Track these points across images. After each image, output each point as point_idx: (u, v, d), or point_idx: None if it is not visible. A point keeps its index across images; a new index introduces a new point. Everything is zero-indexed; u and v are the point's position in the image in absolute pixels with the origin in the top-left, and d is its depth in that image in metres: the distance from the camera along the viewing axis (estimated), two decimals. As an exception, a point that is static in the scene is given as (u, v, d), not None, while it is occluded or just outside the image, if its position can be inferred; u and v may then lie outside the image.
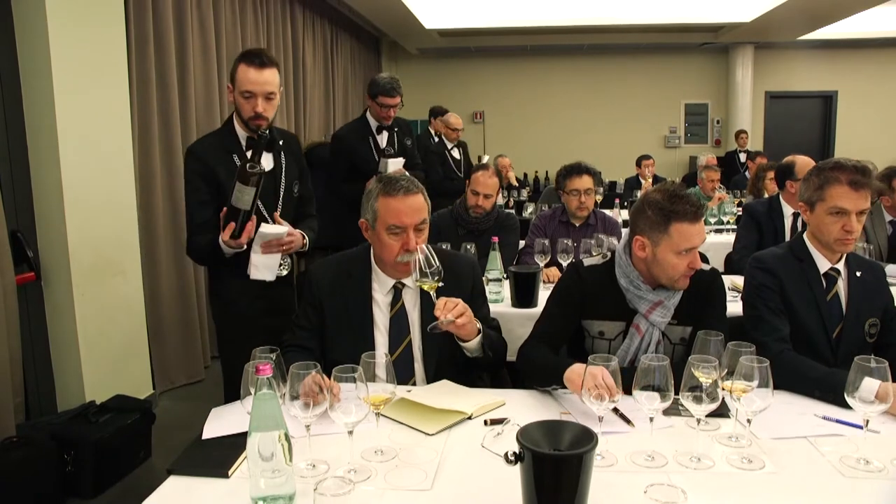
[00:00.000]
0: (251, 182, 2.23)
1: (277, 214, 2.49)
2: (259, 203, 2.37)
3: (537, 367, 1.94)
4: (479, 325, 1.98)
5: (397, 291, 2.07)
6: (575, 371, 1.76)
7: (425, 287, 1.90)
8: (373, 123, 3.98)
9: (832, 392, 1.75)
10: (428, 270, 1.87)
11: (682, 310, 2.01)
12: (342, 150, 4.00)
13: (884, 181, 3.54)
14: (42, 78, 3.11)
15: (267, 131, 2.48)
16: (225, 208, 2.30)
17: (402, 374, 2.00)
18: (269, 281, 2.46)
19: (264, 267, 2.42)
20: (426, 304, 1.99)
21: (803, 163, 3.60)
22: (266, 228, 2.39)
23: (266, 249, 2.41)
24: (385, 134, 4.00)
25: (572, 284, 2.11)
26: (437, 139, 6.35)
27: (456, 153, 6.15)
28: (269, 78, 2.40)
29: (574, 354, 2.10)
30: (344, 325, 2.03)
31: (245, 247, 2.33)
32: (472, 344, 1.97)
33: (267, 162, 2.51)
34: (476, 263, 2.26)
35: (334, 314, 2.05)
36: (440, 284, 1.89)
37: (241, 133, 2.50)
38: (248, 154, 2.46)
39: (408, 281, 2.06)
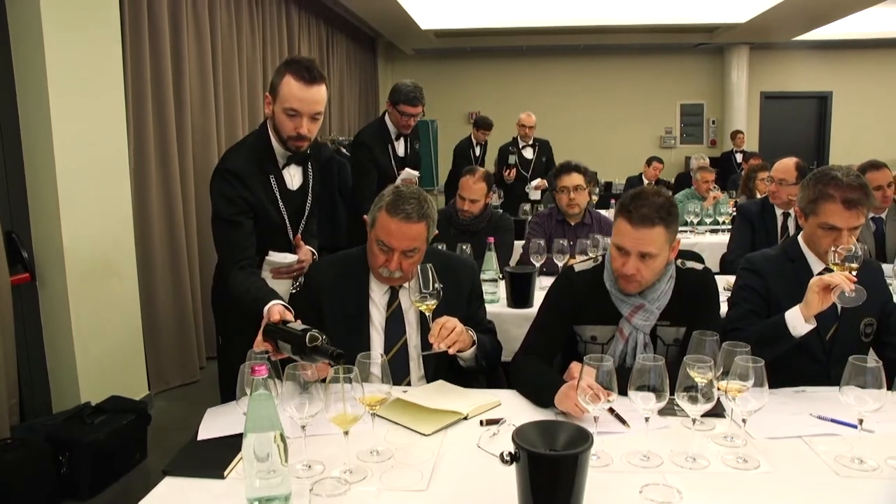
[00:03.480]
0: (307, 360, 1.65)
1: (299, 237, 2.35)
2: (285, 216, 2.28)
3: (529, 391, 1.90)
4: (473, 336, 2.00)
5: (394, 291, 2.08)
6: (563, 393, 1.73)
7: (421, 308, 1.91)
8: (392, 130, 3.86)
9: (778, 340, 1.88)
10: (426, 292, 1.87)
11: (675, 311, 2.01)
12: (370, 158, 3.81)
13: None
14: (37, 79, 3.10)
15: (309, 154, 2.27)
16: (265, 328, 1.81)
17: (397, 373, 2.00)
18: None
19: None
20: None
21: (781, 166, 3.63)
22: (274, 257, 2.26)
23: (276, 275, 2.27)
24: (402, 140, 3.91)
25: (563, 292, 2.10)
26: (478, 147, 6.67)
27: (529, 152, 6.26)
28: (318, 96, 2.12)
29: (567, 359, 2.10)
30: (341, 324, 2.03)
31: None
32: (467, 354, 2.00)
33: (297, 178, 2.32)
34: (475, 266, 2.28)
35: (332, 313, 2.05)
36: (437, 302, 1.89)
37: (279, 150, 2.23)
38: (286, 175, 2.23)
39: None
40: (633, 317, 1.98)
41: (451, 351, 1.86)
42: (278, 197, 2.26)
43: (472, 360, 2.03)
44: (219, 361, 2.75)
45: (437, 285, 1.88)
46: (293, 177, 2.32)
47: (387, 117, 3.88)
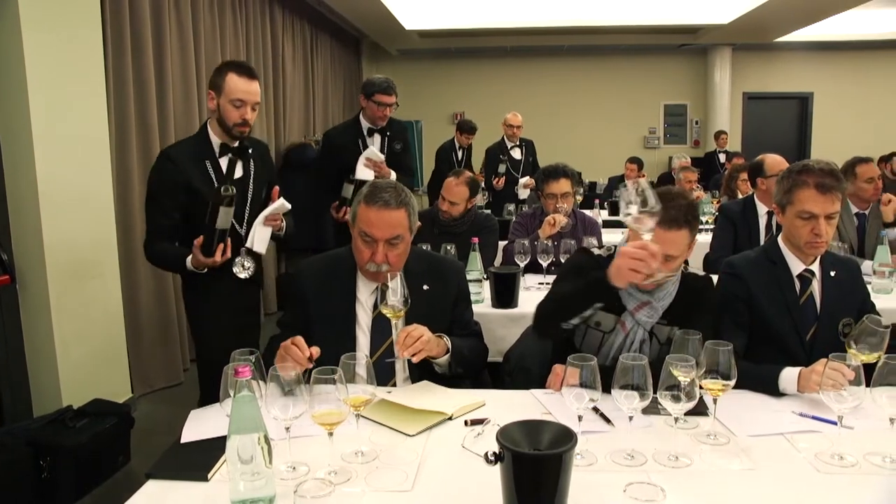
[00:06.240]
0: (226, 202, 2.36)
1: (276, 190, 2.63)
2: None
3: None
4: (448, 344, 1.99)
5: (382, 293, 2.07)
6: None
7: (388, 315, 1.86)
8: (364, 126, 3.82)
9: (765, 385, 1.89)
10: (394, 300, 1.83)
11: (674, 311, 2.03)
12: (331, 148, 3.89)
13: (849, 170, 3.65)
14: (16, 78, 3.06)
15: (247, 145, 2.67)
16: (202, 236, 2.40)
17: (383, 375, 2.00)
18: (241, 279, 2.54)
19: (261, 241, 2.59)
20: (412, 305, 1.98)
21: (773, 161, 3.66)
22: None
23: (269, 221, 2.59)
24: (377, 137, 3.85)
25: (587, 261, 2.09)
26: (461, 151, 6.63)
27: (517, 153, 6.23)
28: (257, 88, 2.58)
29: (563, 345, 2.10)
30: (327, 324, 2.03)
31: (219, 263, 2.43)
32: (441, 360, 2.00)
33: (238, 170, 2.65)
34: (462, 268, 2.29)
35: (319, 312, 2.05)
36: (406, 308, 1.87)
37: (216, 140, 2.61)
38: (222, 162, 2.62)
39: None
40: (637, 312, 2.02)
41: (415, 360, 1.83)
42: (214, 180, 2.57)
43: (447, 368, 2.02)
44: (200, 362, 2.77)
45: (404, 294, 1.84)
46: (234, 167, 2.63)
47: (361, 115, 3.83)
